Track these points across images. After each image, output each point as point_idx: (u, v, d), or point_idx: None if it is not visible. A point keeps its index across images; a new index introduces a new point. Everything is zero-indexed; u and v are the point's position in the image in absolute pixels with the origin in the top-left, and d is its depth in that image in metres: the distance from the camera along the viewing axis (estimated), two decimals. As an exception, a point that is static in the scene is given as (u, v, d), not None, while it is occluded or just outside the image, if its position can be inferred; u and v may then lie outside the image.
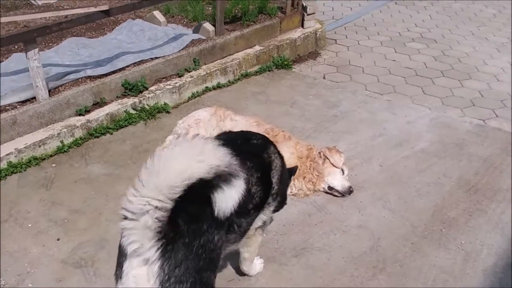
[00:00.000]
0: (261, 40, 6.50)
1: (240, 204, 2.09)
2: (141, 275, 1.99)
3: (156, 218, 1.87)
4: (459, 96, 5.90)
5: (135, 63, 5.36)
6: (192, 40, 5.93)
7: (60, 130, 4.50)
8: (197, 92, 5.59)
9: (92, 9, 4.53)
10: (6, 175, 4.14)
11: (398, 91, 6.01)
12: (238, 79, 6.03)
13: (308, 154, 4.18)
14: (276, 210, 2.94)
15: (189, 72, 5.64)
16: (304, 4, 6.97)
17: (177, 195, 1.86)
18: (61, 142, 4.49)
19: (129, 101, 5.05)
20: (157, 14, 6.56)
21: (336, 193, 4.10)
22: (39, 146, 4.36)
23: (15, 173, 4.19)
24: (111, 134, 4.82)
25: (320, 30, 7.11)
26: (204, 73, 5.67)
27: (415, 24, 8.45)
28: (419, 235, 3.69)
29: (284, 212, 3.84)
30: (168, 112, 5.24)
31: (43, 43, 5.87)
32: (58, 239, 3.58)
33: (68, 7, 7.26)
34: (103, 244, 3.54)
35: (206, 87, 5.70)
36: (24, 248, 3.49)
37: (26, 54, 4.33)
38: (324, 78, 6.31)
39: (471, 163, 4.57)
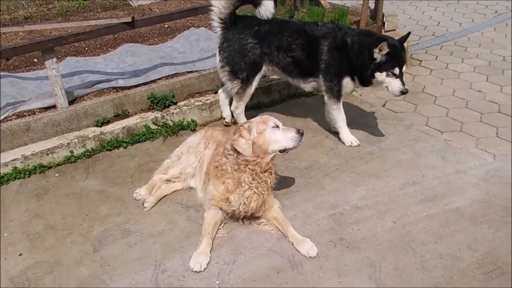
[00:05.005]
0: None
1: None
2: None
3: (219, 14, 4.47)
4: (543, 145, 4.78)
5: (168, 76, 5.23)
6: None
7: (71, 140, 4.54)
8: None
9: (115, 21, 4.48)
10: (9, 180, 4.29)
11: (465, 130, 5.05)
12: (284, 99, 5.59)
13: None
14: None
15: (227, 88, 5.35)
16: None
17: (231, 6, 4.42)
18: (71, 152, 4.53)
19: (152, 115, 4.93)
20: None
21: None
22: (47, 154, 4.44)
23: (18, 178, 4.32)
24: (125, 148, 4.75)
25: (398, 49, 6.29)
26: (244, 91, 5.33)
27: (531, 47, 7.12)
28: (393, 323, 2.99)
29: (251, 264, 3.44)
30: (193, 130, 5.03)
31: (103, 49, 6.04)
32: (20, 254, 3.58)
33: (157, 10, 7.49)
34: (54, 268, 3.44)
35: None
36: (-12, 258, 3.55)
37: (44, 62, 4.44)
38: (383, 106, 5.58)
39: (513, 236, 3.63)
